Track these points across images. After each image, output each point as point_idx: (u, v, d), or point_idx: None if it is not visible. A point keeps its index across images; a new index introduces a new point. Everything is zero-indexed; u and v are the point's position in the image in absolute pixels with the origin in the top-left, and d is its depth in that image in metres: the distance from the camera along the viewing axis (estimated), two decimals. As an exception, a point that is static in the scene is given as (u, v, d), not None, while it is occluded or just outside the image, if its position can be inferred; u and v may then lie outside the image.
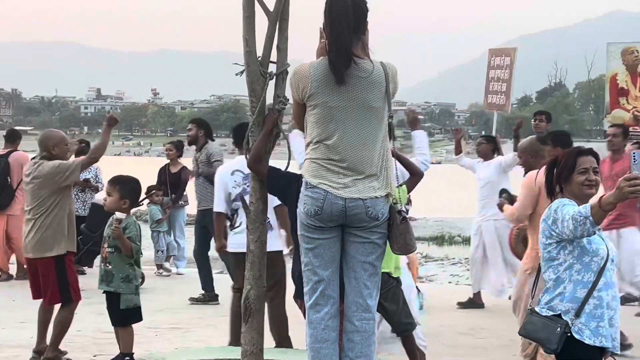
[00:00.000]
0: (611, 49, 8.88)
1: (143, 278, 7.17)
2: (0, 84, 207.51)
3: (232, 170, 6.13)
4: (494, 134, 9.09)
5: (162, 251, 10.84)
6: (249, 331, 4.13)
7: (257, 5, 4.07)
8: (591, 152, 3.81)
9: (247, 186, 5.12)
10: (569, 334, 3.57)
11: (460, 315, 8.09)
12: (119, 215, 5.21)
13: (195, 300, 8.64)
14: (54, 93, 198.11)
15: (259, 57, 4.12)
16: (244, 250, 4.32)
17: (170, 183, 10.71)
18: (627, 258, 7.27)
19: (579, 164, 3.69)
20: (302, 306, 4.11)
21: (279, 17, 4.05)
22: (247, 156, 4.26)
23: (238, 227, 6.03)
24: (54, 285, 5.62)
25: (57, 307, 5.74)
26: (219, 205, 6.23)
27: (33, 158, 6.19)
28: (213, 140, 9.31)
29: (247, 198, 4.39)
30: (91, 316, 7.14)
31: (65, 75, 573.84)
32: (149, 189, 10.01)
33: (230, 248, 6.17)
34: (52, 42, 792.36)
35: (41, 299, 5.80)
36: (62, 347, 5.78)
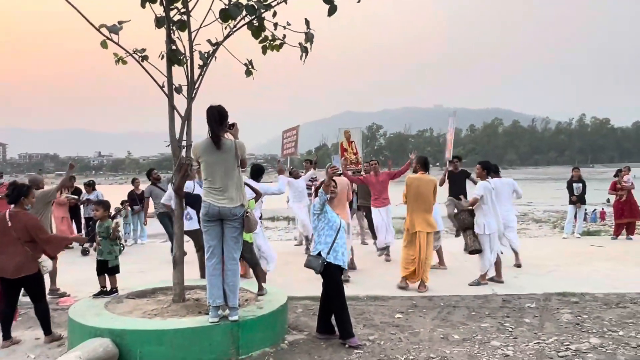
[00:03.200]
0: (341, 130, 15.33)
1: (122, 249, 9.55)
2: None
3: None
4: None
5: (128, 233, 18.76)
6: (178, 271, 7.54)
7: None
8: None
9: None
10: (325, 263, 6.83)
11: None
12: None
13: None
14: None
15: (177, 139, 7.27)
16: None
17: None
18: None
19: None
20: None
21: (187, 118, 7.31)
22: (173, 187, 7.62)
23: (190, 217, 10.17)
24: None
25: None
26: (168, 200, 10.12)
27: None
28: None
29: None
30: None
31: None
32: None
33: (186, 228, 9.97)
34: None
35: None
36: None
